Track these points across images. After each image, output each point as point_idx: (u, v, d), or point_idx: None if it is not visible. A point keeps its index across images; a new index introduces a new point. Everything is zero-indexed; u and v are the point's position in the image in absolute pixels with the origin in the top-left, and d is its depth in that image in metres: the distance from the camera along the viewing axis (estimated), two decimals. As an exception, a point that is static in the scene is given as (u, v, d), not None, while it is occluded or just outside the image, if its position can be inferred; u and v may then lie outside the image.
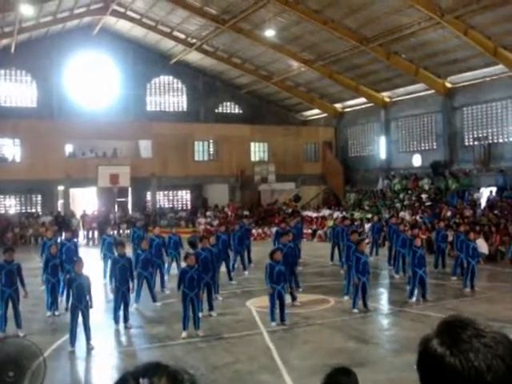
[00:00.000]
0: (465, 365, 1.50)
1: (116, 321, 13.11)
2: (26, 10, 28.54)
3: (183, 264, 13.23)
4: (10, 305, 12.65)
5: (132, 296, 14.12)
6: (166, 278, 18.49)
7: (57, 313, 14.49)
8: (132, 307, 14.35)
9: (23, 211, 37.15)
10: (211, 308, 14.13)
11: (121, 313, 13.20)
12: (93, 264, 19.99)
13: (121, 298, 13.12)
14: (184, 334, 12.04)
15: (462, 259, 18.04)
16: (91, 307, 11.78)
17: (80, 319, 11.53)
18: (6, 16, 31.10)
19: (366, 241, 19.15)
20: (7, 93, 39.76)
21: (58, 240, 22.81)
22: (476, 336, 1.54)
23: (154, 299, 15.66)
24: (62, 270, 14.99)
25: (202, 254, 14.65)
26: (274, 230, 26.89)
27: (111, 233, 24.02)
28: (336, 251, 21.93)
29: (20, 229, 33.85)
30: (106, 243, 19.70)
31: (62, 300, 14.55)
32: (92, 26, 39.78)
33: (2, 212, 36.71)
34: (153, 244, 18.06)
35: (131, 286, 13.52)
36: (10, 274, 12.72)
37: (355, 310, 14.11)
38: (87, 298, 11.63)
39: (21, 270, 13.06)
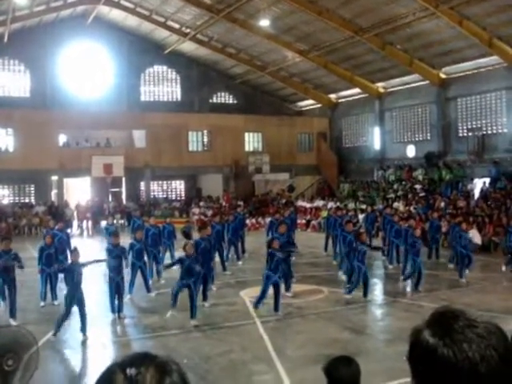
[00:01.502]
0: (458, 355, 1.49)
1: (112, 310, 13.11)
2: (19, -1, 28.37)
3: (178, 254, 13.22)
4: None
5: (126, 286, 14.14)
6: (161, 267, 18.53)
7: (56, 302, 14.46)
8: (126, 298, 14.34)
9: (17, 201, 37.07)
10: (205, 298, 14.14)
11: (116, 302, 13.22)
12: (87, 254, 19.95)
13: (115, 288, 13.12)
14: (170, 314, 12.10)
15: (457, 249, 18.13)
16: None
17: (75, 309, 11.55)
18: (0, 5, 30.92)
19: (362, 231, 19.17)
20: (0, 82, 39.55)
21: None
22: (469, 326, 1.53)
23: (149, 290, 15.65)
24: (57, 260, 15.00)
25: (201, 243, 14.66)
26: (268, 220, 26.94)
27: (112, 222, 24.08)
28: (330, 242, 21.97)
29: (13, 219, 33.75)
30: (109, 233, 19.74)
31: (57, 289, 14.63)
32: (86, 16, 39.55)
33: (-4, 202, 36.65)
34: (148, 234, 18.08)
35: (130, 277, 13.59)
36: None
37: (348, 296, 14.19)
38: (82, 287, 11.64)
39: (19, 259, 13.16)
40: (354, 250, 14.46)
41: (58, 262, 14.72)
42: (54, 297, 14.69)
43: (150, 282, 16.31)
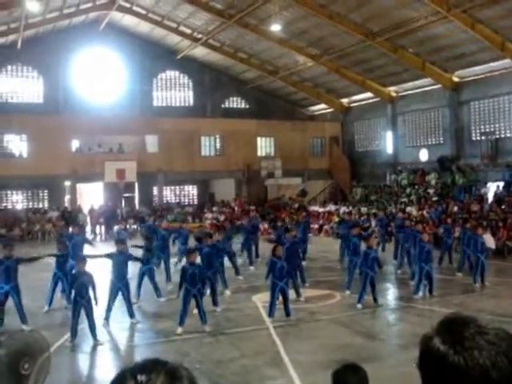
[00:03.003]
0: (469, 363, 1.49)
1: (106, 317, 12.95)
2: (33, 6, 28.56)
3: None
4: (11, 302, 12.68)
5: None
6: (172, 270, 18.62)
7: (68, 305, 14.47)
8: (135, 303, 14.36)
9: (30, 207, 37.30)
10: (215, 303, 14.14)
11: (123, 309, 13.24)
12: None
13: (115, 295, 13.15)
14: (179, 330, 12.05)
15: (468, 255, 18.00)
16: (96, 305, 11.82)
17: (84, 316, 11.59)
18: (13, 12, 31.17)
19: (374, 236, 19.09)
20: (14, 88, 39.87)
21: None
22: (479, 333, 1.52)
23: (159, 295, 15.67)
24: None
25: (205, 249, 14.73)
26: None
27: (125, 227, 24.28)
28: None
29: (27, 224, 33.96)
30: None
31: (62, 296, 14.68)
32: (98, 22, 39.76)
33: (10, 207, 36.89)
34: (158, 237, 18.17)
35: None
36: (8, 271, 12.72)
37: (359, 306, 14.08)
38: (89, 294, 11.66)
39: (20, 260, 13.17)
40: (364, 256, 14.34)
41: (70, 267, 14.74)
42: (69, 301, 14.69)
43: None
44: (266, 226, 33.87)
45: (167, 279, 17.75)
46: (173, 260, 19.50)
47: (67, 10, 35.64)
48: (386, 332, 12.67)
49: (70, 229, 20.67)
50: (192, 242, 20.10)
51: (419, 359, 1.60)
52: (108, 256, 13.68)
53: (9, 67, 39.76)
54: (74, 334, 11.46)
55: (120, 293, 13.18)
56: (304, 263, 19.22)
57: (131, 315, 13.21)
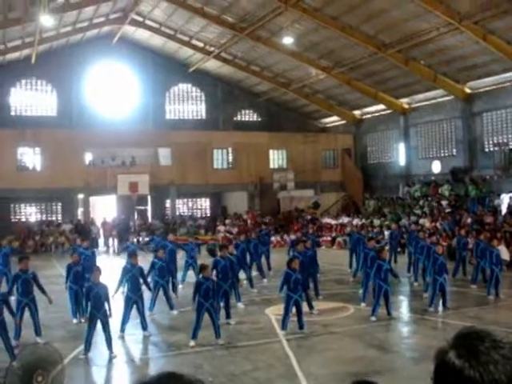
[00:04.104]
0: (485, 377, 1.48)
1: (122, 329, 13.05)
2: (46, 21, 28.81)
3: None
4: (28, 314, 12.73)
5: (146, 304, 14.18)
6: (180, 286, 18.64)
7: (83, 320, 14.51)
8: (147, 315, 14.36)
9: (44, 219, 37.55)
10: (228, 316, 14.12)
11: (138, 320, 13.24)
12: (114, 272, 20.07)
13: (130, 307, 13.17)
14: (192, 343, 12.03)
15: (482, 267, 17.87)
16: (110, 316, 11.84)
17: (99, 327, 11.60)
18: (27, 27, 31.47)
19: (386, 248, 19.03)
20: (28, 102, 40.23)
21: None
22: (494, 348, 1.52)
23: (172, 307, 15.66)
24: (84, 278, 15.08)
25: (221, 262, 14.70)
26: (291, 237, 26.92)
27: (138, 240, 24.29)
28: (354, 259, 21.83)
29: (41, 236, 34.15)
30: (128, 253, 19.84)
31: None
32: (111, 36, 40.09)
33: (23, 220, 37.13)
34: (166, 250, 18.18)
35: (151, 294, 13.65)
36: (26, 283, 12.83)
37: (373, 318, 14.00)
38: (105, 306, 11.68)
39: (37, 279, 13.18)
40: (377, 268, 14.27)
41: (85, 280, 14.78)
42: (82, 314, 14.74)
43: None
44: (279, 238, 33.88)
45: (174, 292, 17.73)
46: (179, 275, 19.56)
47: (80, 24, 35.96)
48: (399, 344, 12.58)
49: (78, 241, 20.61)
50: (202, 255, 20.20)
51: (434, 373, 1.60)
52: (123, 275, 13.70)
53: (23, 81, 40.10)
54: (89, 346, 11.48)
55: (135, 305, 13.22)
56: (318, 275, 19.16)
57: (144, 328, 13.22)
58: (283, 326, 12.95)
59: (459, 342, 1.58)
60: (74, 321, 14.63)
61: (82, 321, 14.40)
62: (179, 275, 19.49)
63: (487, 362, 1.49)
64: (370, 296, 15.41)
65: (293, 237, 27.86)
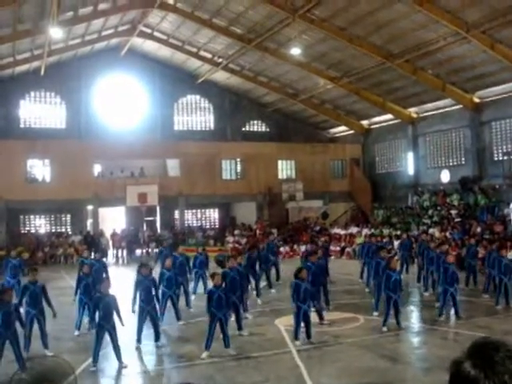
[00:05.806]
0: (500, 387, 1.48)
1: (138, 340, 13.12)
2: (56, 33, 29.01)
3: (210, 284, 13.17)
4: (36, 326, 12.74)
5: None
6: (192, 297, 18.60)
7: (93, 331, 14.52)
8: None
9: (53, 231, 37.70)
10: (240, 327, 14.07)
11: (150, 331, 13.24)
12: (122, 283, 20.10)
13: (145, 318, 13.18)
14: (205, 355, 12.00)
15: (494, 276, 17.79)
16: (123, 325, 11.85)
17: (108, 339, 11.61)
18: (36, 39, 31.73)
19: (396, 258, 18.95)
20: (37, 114, 40.44)
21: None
22: (509, 357, 1.52)
23: (179, 318, 15.65)
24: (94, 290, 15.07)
25: (229, 273, 14.67)
26: (303, 248, 26.85)
27: (147, 251, 24.24)
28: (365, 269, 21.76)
29: (50, 248, 34.26)
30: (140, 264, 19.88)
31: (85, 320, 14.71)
32: (119, 48, 40.34)
33: (33, 231, 37.26)
34: (176, 262, 18.12)
35: (157, 306, 13.63)
36: (34, 295, 12.84)
37: (385, 329, 13.94)
38: (113, 317, 11.69)
39: (46, 291, 13.18)
40: (386, 278, 14.20)
41: (95, 292, 14.79)
42: (94, 326, 14.72)
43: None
44: (288, 248, 33.84)
45: (187, 304, 17.70)
46: (191, 286, 19.55)
47: (89, 36, 36.21)
48: (410, 355, 12.52)
49: (85, 253, 20.57)
50: (211, 266, 20.19)
51: (449, 383, 1.60)
52: (136, 289, 13.70)
53: (32, 93, 40.33)
54: (96, 358, 11.47)
55: (148, 316, 13.23)
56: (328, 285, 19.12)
57: (157, 338, 13.23)
58: (296, 337, 12.92)
59: (474, 352, 1.58)
60: (76, 333, 14.59)
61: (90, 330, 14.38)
62: (190, 287, 19.46)
63: (502, 372, 1.49)
64: (381, 306, 15.36)
65: (303, 247, 27.81)
